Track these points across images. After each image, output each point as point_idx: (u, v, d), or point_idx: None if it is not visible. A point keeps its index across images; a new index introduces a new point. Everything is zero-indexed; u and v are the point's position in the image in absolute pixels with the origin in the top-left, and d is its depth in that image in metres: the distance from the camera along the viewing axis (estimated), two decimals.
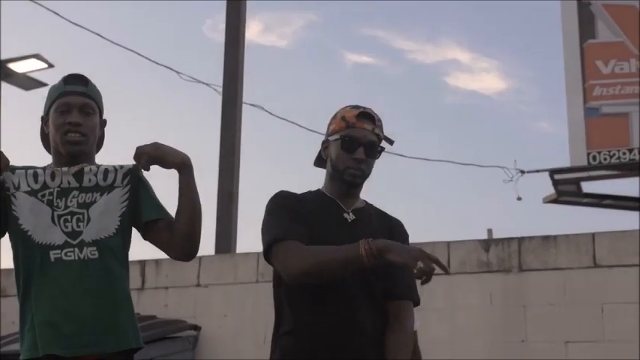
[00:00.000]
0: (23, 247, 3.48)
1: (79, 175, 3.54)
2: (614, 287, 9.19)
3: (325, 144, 3.81)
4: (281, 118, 12.30)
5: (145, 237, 3.67)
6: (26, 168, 3.58)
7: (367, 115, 3.71)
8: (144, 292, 10.74)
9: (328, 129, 3.81)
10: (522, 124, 31.66)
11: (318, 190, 3.84)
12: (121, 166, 3.60)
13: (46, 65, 12.13)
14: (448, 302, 9.58)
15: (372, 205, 3.90)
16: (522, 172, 12.55)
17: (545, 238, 9.66)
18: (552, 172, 12.21)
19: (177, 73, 11.71)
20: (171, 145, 3.57)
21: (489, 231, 13.21)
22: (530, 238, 9.73)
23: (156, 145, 3.50)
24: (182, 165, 3.51)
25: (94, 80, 3.74)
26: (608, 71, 12.35)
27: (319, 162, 3.92)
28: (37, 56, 11.95)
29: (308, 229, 3.61)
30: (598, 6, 12.65)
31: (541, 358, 9.29)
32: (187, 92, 35.22)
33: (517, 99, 31.35)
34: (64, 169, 3.54)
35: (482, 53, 31.80)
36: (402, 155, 13.27)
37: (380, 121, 3.76)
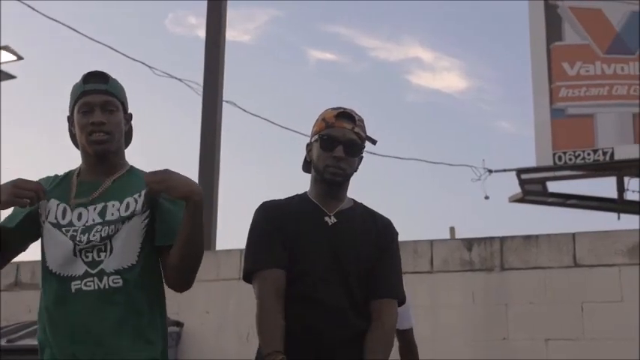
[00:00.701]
0: (46, 275, 3.48)
1: (102, 211, 3.49)
2: (594, 286, 9.48)
3: (309, 147, 3.87)
4: (254, 115, 12.36)
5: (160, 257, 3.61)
6: (54, 181, 3.62)
7: (346, 115, 3.77)
8: None
9: (311, 132, 3.88)
10: (484, 123, 32.10)
11: (304, 193, 3.90)
12: (140, 195, 3.53)
13: (15, 57, 11.94)
14: (431, 300, 9.76)
15: (360, 204, 3.93)
16: (490, 171, 12.79)
17: (527, 237, 9.92)
18: (519, 171, 12.47)
19: (151, 68, 11.61)
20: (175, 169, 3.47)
21: (452, 229, 13.39)
22: (512, 237, 9.97)
23: (161, 177, 3.39)
24: (187, 199, 3.38)
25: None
26: (574, 73, 12.64)
27: (307, 167, 3.96)
28: (7, 48, 11.74)
29: (289, 241, 3.69)
30: (565, 8, 12.93)
31: (522, 356, 9.55)
32: (161, 87, 34.95)
33: (478, 98, 31.78)
34: (91, 208, 3.50)
35: (444, 52, 32.21)
36: (374, 153, 13.37)
37: (361, 120, 3.81)
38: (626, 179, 12.27)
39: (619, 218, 12.47)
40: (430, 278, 9.98)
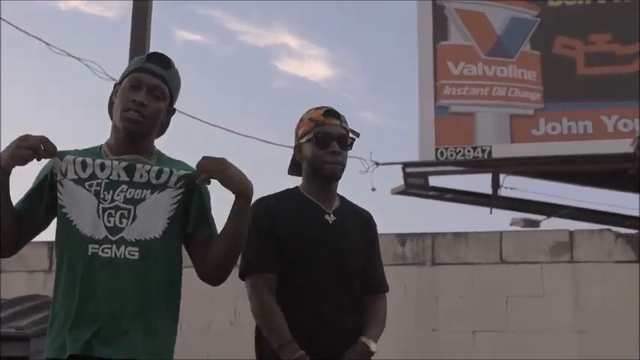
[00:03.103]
0: (65, 235, 3.45)
1: (130, 170, 3.47)
2: (518, 282, 10.54)
3: (297, 148, 4.13)
4: None
5: (185, 246, 3.60)
6: (77, 153, 3.55)
7: (332, 112, 4.08)
8: (51, 274, 10.60)
9: (297, 134, 4.14)
10: (347, 113, 32.70)
11: (296, 188, 4.15)
12: (178, 170, 3.54)
13: None
14: None
15: (344, 199, 4.22)
16: (377, 163, 13.40)
17: (457, 234, 10.82)
18: (405, 165, 13.23)
19: (47, 44, 11.24)
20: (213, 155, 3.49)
21: None
22: (444, 234, 10.84)
23: (220, 166, 3.41)
24: (239, 193, 3.42)
25: None
26: (458, 72, 13.52)
27: (293, 170, 4.27)
28: None
29: (290, 238, 3.94)
30: (451, 9, 13.79)
31: (450, 346, 10.44)
32: (57, 65, 32.71)
33: (343, 87, 32.34)
34: (115, 162, 3.48)
35: (312, 40, 32.48)
36: (248, 136, 13.68)
37: (343, 116, 4.13)
38: (501, 176, 13.32)
39: (491, 213, 13.58)
40: None
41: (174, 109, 3.72)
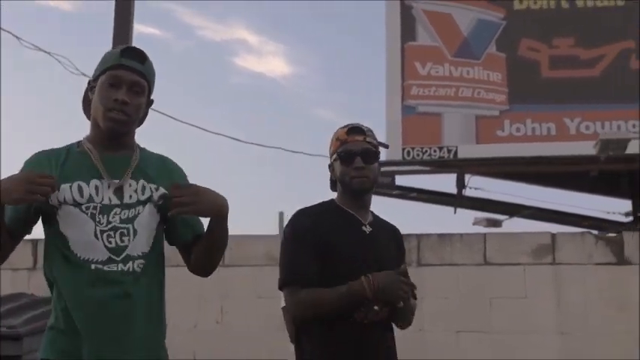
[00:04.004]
0: (63, 257, 3.44)
1: (119, 193, 3.49)
2: (502, 283, 10.77)
3: (331, 167, 4.28)
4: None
5: (171, 243, 3.72)
6: (55, 153, 3.56)
7: (356, 129, 4.21)
8: (35, 272, 10.50)
9: (329, 153, 4.28)
10: (304, 109, 32.61)
11: (332, 201, 4.27)
12: (157, 189, 3.56)
13: None
14: None
15: (374, 214, 4.33)
16: None
17: (442, 236, 11.00)
18: None
19: (18, 38, 11.08)
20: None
21: (281, 214, 13.95)
22: (429, 235, 11.00)
23: (192, 199, 3.40)
24: (214, 216, 3.51)
25: None
26: (425, 73, 13.69)
27: (333, 186, 4.35)
28: None
29: (332, 249, 4.02)
30: (418, 10, 13.93)
31: (435, 346, 10.62)
32: (27, 60, 31.56)
33: (300, 84, 32.21)
34: (105, 184, 3.49)
35: (270, 37, 32.17)
36: (219, 134, 13.62)
37: (370, 130, 4.26)
38: (466, 177, 13.53)
39: (455, 212, 13.80)
40: None
41: (152, 101, 3.73)
